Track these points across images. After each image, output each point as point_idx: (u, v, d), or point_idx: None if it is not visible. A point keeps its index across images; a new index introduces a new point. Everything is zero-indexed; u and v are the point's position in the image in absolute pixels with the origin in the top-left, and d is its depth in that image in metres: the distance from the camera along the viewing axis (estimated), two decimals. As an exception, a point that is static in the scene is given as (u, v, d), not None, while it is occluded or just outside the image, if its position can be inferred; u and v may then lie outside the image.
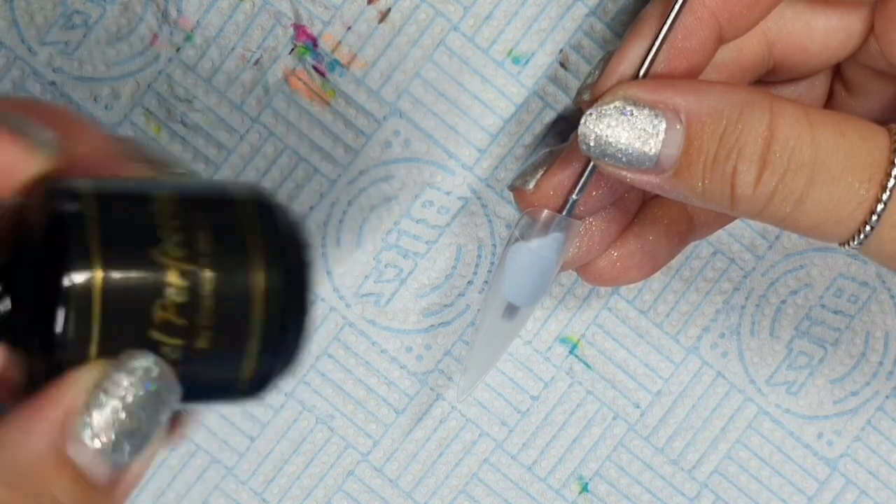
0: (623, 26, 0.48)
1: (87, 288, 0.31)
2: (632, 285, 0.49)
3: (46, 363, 0.32)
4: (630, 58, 0.40)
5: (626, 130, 0.39)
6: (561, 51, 0.48)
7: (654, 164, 0.39)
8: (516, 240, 0.43)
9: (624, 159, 0.39)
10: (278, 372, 0.34)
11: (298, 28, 0.48)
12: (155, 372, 0.32)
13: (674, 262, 0.49)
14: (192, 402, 0.34)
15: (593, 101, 0.40)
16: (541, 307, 0.49)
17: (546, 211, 0.43)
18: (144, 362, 0.32)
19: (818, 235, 0.39)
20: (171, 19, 0.47)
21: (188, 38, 0.48)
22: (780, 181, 0.38)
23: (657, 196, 0.44)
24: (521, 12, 0.48)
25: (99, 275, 0.32)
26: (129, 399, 0.32)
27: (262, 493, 0.49)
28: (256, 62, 0.48)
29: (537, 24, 0.48)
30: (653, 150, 0.38)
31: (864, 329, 0.49)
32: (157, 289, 0.32)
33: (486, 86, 0.48)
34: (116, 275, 0.32)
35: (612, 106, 0.39)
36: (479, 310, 0.48)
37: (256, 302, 0.33)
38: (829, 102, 0.45)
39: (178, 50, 0.47)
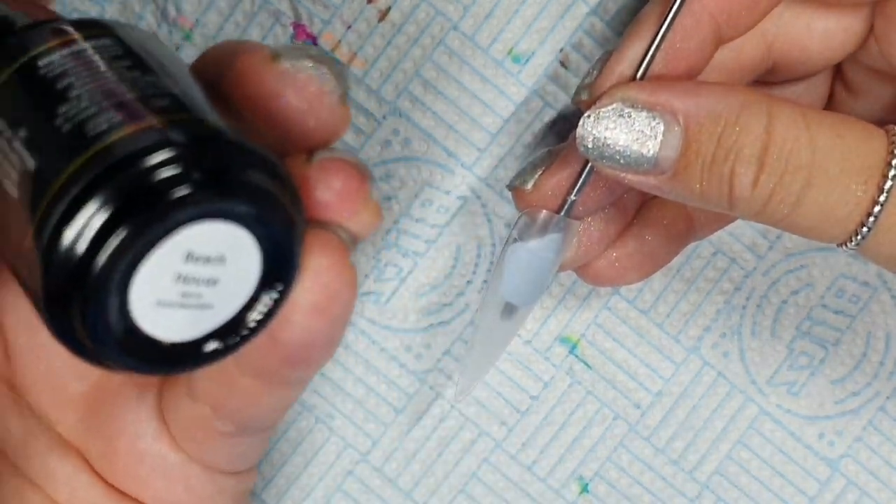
0: (624, 25, 0.47)
1: None
2: (632, 285, 0.49)
3: None
4: (628, 58, 0.40)
5: (624, 132, 0.38)
6: (561, 50, 0.48)
7: (652, 166, 0.39)
8: (514, 240, 0.43)
9: (622, 161, 0.39)
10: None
11: (298, 27, 0.48)
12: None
13: (674, 262, 0.48)
14: None
15: (591, 102, 0.40)
16: (540, 306, 0.49)
17: (544, 211, 0.43)
18: None
19: (816, 236, 0.39)
20: (170, 18, 0.47)
21: (187, 36, 0.47)
22: (777, 183, 0.38)
23: (656, 196, 0.44)
24: (522, 11, 0.47)
25: None
26: None
27: (262, 493, 0.49)
28: (256, 61, 0.48)
29: (537, 23, 0.48)
30: (651, 152, 0.38)
31: (866, 329, 0.49)
32: None
33: (486, 85, 0.48)
34: None
35: (610, 108, 0.39)
36: (477, 309, 0.48)
37: None
38: (830, 103, 0.44)
39: (176, 49, 0.47)
